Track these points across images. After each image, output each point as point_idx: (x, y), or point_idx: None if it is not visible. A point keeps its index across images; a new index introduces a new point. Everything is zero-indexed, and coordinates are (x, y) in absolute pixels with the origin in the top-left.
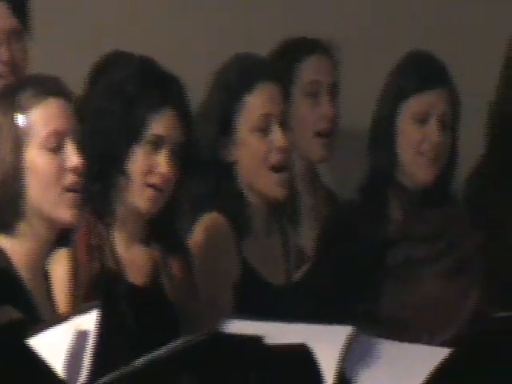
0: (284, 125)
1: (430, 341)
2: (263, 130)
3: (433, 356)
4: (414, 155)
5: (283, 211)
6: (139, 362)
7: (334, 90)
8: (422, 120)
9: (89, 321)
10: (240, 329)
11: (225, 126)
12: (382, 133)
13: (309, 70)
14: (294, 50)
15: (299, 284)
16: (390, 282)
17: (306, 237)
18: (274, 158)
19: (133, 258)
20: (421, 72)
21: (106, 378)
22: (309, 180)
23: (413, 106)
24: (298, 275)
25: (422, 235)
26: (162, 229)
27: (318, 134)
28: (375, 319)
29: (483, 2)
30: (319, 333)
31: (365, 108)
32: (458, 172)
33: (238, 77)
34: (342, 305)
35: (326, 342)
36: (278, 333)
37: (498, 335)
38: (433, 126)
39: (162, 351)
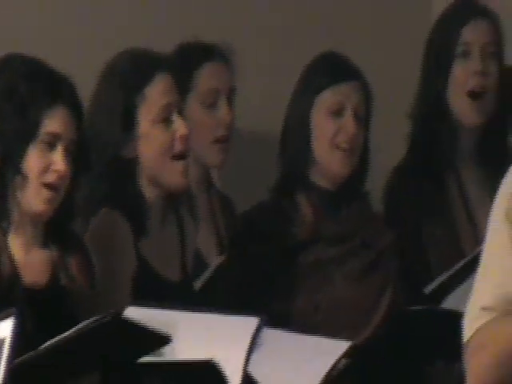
0: (182, 113)
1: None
2: (165, 121)
3: (335, 348)
4: (330, 148)
5: (181, 205)
6: (46, 344)
7: (231, 96)
8: (337, 112)
9: (4, 329)
10: (143, 316)
11: (126, 121)
12: (296, 129)
13: (206, 77)
14: (191, 56)
15: (206, 285)
16: (302, 282)
17: (203, 240)
18: (177, 146)
19: (32, 262)
20: (334, 65)
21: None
22: (204, 185)
23: (327, 98)
24: (204, 275)
25: (334, 235)
26: (58, 229)
27: (216, 140)
28: (288, 320)
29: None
30: (225, 323)
31: (263, 111)
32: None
33: (134, 70)
34: (252, 304)
35: (232, 333)
36: (182, 322)
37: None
38: (348, 118)
39: (68, 333)
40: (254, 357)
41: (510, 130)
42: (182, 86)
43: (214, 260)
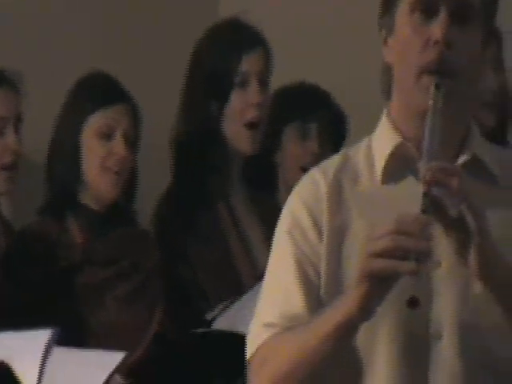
0: None
1: None
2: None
3: (110, 360)
4: (100, 171)
5: None
6: None
7: (18, 123)
8: (107, 135)
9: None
10: None
11: None
12: (66, 151)
13: None
14: None
15: None
16: (76, 305)
17: None
18: None
19: None
20: (102, 88)
21: None
22: None
23: (96, 121)
24: None
25: (104, 257)
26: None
27: (3, 167)
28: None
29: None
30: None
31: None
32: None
33: None
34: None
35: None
36: None
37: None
38: (117, 141)
39: None
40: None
41: (274, 156)
42: None
43: None
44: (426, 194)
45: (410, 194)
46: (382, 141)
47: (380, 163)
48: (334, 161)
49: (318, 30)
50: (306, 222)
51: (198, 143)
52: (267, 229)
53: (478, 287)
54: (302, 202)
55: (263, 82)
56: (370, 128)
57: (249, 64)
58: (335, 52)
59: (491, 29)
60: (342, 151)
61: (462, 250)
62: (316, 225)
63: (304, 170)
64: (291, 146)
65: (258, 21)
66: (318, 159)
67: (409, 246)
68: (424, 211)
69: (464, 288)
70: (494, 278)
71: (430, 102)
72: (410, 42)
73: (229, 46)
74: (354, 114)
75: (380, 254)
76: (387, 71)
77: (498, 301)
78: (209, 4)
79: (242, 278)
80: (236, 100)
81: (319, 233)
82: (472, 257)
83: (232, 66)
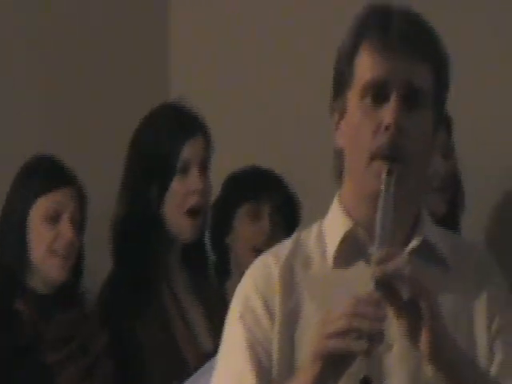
0: None
1: None
2: None
3: None
4: (47, 254)
5: None
6: None
7: None
8: (54, 218)
9: None
10: None
11: None
12: (13, 234)
13: None
14: None
15: None
16: None
17: None
18: None
19: None
20: (48, 171)
21: None
22: None
23: (42, 205)
24: None
25: (53, 339)
26: None
27: None
28: None
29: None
30: None
31: None
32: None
33: None
34: None
35: None
36: None
37: None
38: (65, 224)
39: None
40: None
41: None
42: None
43: None
44: (377, 281)
45: (360, 278)
46: (334, 225)
47: (332, 248)
48: (286, 245)
49: (271, 114)
50: (258, 307)
51: (137, 227)
52: (208, 311)
53: (429, 369)
54: (254, 286)
55: (204, 169)
56: (323, 211)
57: (190, 151)
58: (288, 137)
59: (442, 115)
60: (294, 235)
61: (413, 332)
62: (268, 309)
63: (256, 250)
64: (243, 226)
65: (206, 104)
66: (270, 240)
67: (362, 327)
68: (374, 291)
69: (415, 370)
70: (446, 361)
71: (382, 187)
72: (361, 126)
73: (170, 133)
74: (306, 196)
75: (334, 335)
76: (339, 155)
77: (448, 383)
78: (159, 85)
79: (187, 359)
80: (177, 186)
81: (271, 317)
82: (423, 340)
83: (173, 153)
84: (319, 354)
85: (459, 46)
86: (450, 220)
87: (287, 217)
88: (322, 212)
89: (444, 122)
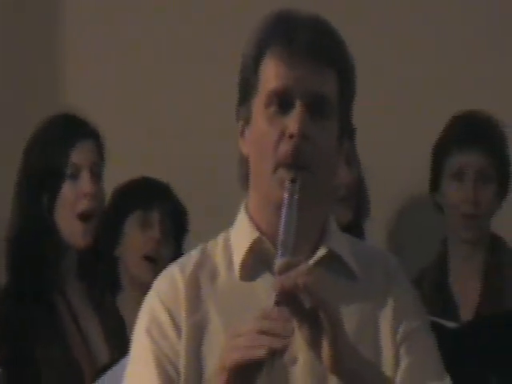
0: None
1: None
2: None
3: None
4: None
5: None
6: None
7: None
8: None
9: None
10: None
11: None
12: None
13: None
14: None
15: None
16: None
17: None
18: None
19: None
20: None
21: None
22: None
23: None
24: None
25: None
26: None
27: None
28: None
29: None
30: None
31: None
32: None
33: None
34: None
35: None
36: None
37: None
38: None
39: None
40: None
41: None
42: None
43: None
44: (277, 293)
45: (266, 290)
46: (240, 236)
47: (238, 259)
48: (192, 256)
49: (161, 122)
50: (165, 320)
51: (30, 236)
52: (104, 323)
53: (334, 380)
54: (159, 301)
55: (95, 174)
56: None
57: (79, 155)
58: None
59: (347, 123)
60: (201, 246)
61: (315, 343)
62: (174, 323)
63: (147, 258)
64: (132, 235)
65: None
66: (161, 247)
67: (269, 344)
68: (278, 304)
69: (321, 381)
70: (348, 371)
71: (286, 196)
72: (266, 134)
73: (58, 138)
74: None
75: (241, 348)
76: (244, 163)
77: None
78: (51, 97)
79: (84, 373)
80: (67, 191)
81: (178, 330)
82: (325, 351)
83: (62, 158)
84: (226, 367)
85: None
86: (355, 227)
87: (176, 226)
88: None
89: (349, 131)
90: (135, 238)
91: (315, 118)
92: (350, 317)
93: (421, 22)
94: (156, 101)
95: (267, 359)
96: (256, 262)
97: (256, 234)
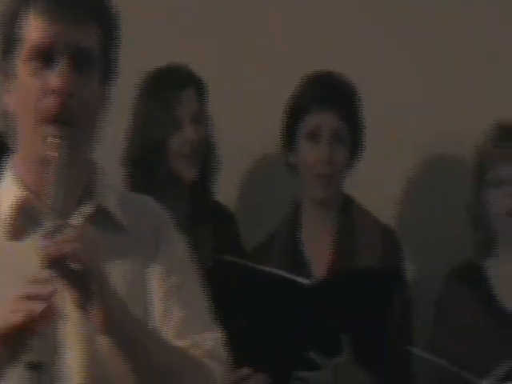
0: None
1: None
2: None
3: None
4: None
5: None
6: None
7: None
8: None
9: None
10: None
11: None
12: None
13: None
14: None
15: None
16: None
17: None
18: None
19: None
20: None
21: None
22: None
23: None
24: None
25: None
26: None
27: None
28: None
29: None
30: None
31: None
32: None
33: None
34: None
35: None
36: None
37: None
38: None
39: None
40: None
41: None
42: None
43: None
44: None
45: (35, 251)
46: (6, 193)
47: (2, 218)
48: None
49: None
50: None
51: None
52: None
53: (103, 341)
54: None
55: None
56: None
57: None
58: None
59: (111, 74)
60: None
61: (84, 304)
62: None
63: None
64: None
65: None
66: None
67: (32, 309)
68: (44, 267)
69: (90, 341)
70: (117, 332)
71: (51, 153)
72: (29, 89)
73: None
74: None
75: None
76: (10, 118)
77: (123, 354)
78: None
79: None
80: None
81: None
82: (94, 314)
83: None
84: None
85: None
86: (199, 186)
87: None
88: None
89: (112, 80)
90: None
91: (79, 72)
92: (119, 275)
93: None
94: None
95: (34, 323)
96: (24, 222)
97: (22, 192)
